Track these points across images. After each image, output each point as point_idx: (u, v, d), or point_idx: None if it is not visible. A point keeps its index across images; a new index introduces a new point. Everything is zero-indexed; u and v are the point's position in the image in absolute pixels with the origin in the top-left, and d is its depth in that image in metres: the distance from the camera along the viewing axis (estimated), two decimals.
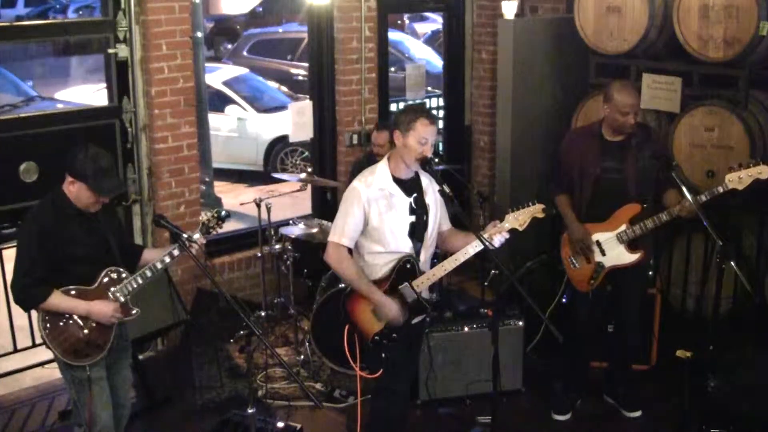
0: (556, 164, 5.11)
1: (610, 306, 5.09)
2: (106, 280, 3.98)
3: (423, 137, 3.94)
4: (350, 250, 4.11)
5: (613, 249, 4.87)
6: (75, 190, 3.87)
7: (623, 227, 4.83)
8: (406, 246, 4.06)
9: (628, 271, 4.92)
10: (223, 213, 4.12)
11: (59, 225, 3.86)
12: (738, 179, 4.46)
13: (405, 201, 4.04)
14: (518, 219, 4.05)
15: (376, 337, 4.06)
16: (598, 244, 4.89)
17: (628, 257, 4.87)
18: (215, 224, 4.10)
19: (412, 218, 4.06)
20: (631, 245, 4.86)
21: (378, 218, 3.99)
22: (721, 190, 4.51)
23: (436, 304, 4.41)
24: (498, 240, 4.02)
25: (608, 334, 5.27)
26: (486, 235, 4.00)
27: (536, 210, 4.07)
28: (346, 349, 4.09)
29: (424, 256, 4.14)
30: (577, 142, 5.00)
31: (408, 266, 4.05)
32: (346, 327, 4.10)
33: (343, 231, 4.01)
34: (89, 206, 3.92)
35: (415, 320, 4.19)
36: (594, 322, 5.10)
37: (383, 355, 4.07)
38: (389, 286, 4.05)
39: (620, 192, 4.83)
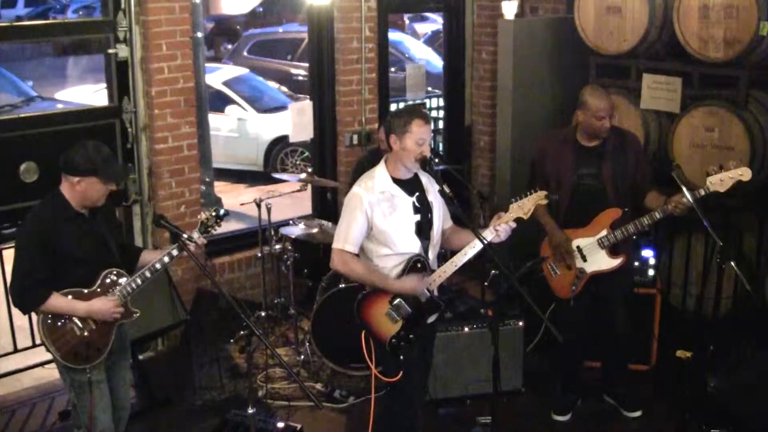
0: (531, 171, 5.09)
1: (598, 306, 5.07)
2: (105, 281, 3.97)
3: (420, 138, 3.94)
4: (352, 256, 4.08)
5: (594, 254, 4.85)
6: (82, 188, 3.85)
7: (604, 232, 4.81)
8: (414, 246, 4.05)
9: (612, 275, 4.90)
10: (222, 212, 4.12)
11: (58, 227, 3.85)
12: (719, 182, 4.44)
13: (408, 201, 4.04)
14: (522, 207, 4.04)
15: (393, 340, 4.04)
16: (579, 249, 4.87)
17: (610, 262, 4.85)
18: (214, 223, 4.09)
19: (417, 217, 4.05)
20: (613, 250, 4.85)
21: (383, 221, 3.98)
22: (702, 192, 4.48)
23: (447, 302, 4.40)
24: (505, 231, 4.01)
25: (600, 335, 5.24)
26: (492, 227, 4.00)
27: (539, 197, 4.06)
28: (366, 355, 4.08)
29: (432, 254, 4.13)
30: (551, 149, 4.96)
31: (419, 266, 4.04)
32: (363, 333, 4.09)
33: (346, 237, 4.00)
34: (98, 201, 3.91)
35: (430, 320, 4.19)
36: (578, 325, 5.06)
37: (400, 357, 4.06)
38: None
39: (598, 198, 4.81)
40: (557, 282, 4.99)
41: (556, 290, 5.02)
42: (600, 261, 4.85)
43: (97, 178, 3.84)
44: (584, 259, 4.87)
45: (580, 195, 4.84)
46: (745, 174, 4.42)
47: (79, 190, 3.86)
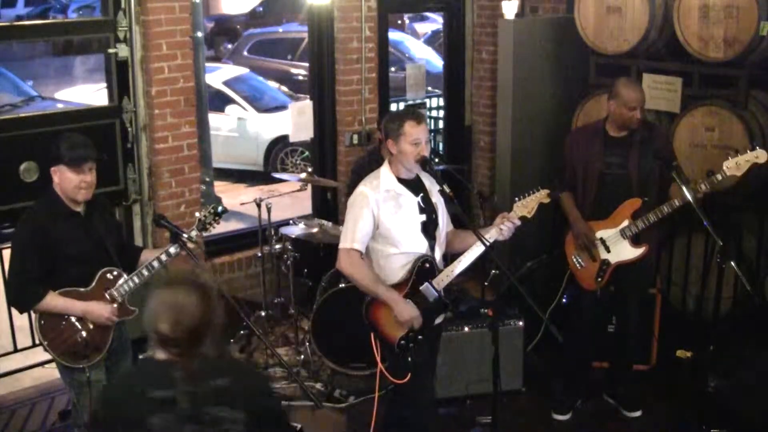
0: (563, 163, 5.12)
1: (611, 305, 5.10)
2: (103, 280, 3.97)
3: (415, 138, 3.94)
4: (361, 256, 4.06)
5: (617, 245, 4.87)
6: (58, 179, 3.85)
7: (626, 222, 4.83)
8: (420, 245, 4.05)
9: (631, 270, 4.92)
10: (220, 209, 4.10)
11: (54, 225, 3.85)
12: (736, 165, 4.46)
13: (413, 200, 4.04)
14: (526, 206, 4.07)
15: (402, 342, 4.03)
16: (603, 241, 4.89)
17: (633, 252, 4.87)
18: (212, 220, 4.09)
19: (423, 217, 4.05)
20: (635, 240, 4.86)
21: (389, 219, 3.98)
22: (720, 177, 4.50)
23: (454, 302, 4.40)
24: (509, 229, 4.02)
25: (609, 334, 5.27)
26: (497, 227, 4.01)
27: (542, 196, 4.08)
28: (375, 354, 4.07)
29: (438, 254, 4.13)
30: (580, 139, 5.02)
31: (427, 266, 4.04)
32: (372, 334, 4.08)
33: (354, 236, 3.98)
34: (76, 193, 3.86)
35: (438, 320, 4.19)
36: (598, 321, 5.10)
37: (409, 359, 4.04)
38: (410, 288, 4.03)
39: (625, 188, 4.84)
40: (582, 274, 5.00)
41: (582, 282, 5.03)
42: (623, 251, 4.87)
43: (65, 166, 3.83)
44: (608, 250, 4.89)
45: (606, 185, 4.88)
46: (761, 156, 4.43)
47: (57, 182, 3.87)
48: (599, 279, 4.93)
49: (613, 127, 4.88)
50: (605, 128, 4.91)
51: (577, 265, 5.01)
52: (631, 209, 4.83)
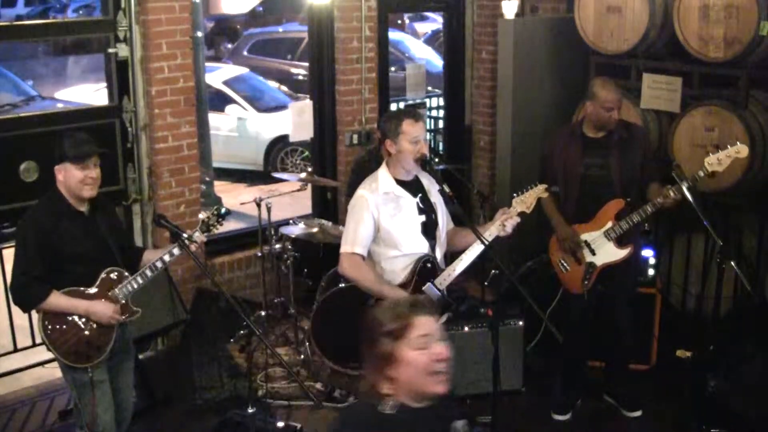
0: (542, 166, 5.12)
1: (602, 306, 5.08)
2: (106, 280, 3.97)
3: (413, 137, 3.95)
4: (363, 259, 4.06)
5: (602, 247, 4.87)
6: (63, 177, 3.85)
7: (609, 224, 4.83)
8: (422, 246, 4.05)
9: (618, 270, 4.92)
10: (223, 210, 4.12)
11: (57, 224, 3.85)
12: (717, 161, 4.46)
13: (412, 201, 4.05)
14: (525, 202, 4.08)
15: None
16: (587, 243, 4.89)
17: (618, 253, 4.87)
18: (215, 222, 4.09)
19: (422, 218, 4.06)
20: (620, 241, 4.86)
21: (389, 221, 3.98)
22: (701, 174, 4.50)
23: (457, 301, 4.41)
24: (510, 225, 4.02)
25: (604, 334, 5.25)
26: (497, 224, 4.01)
27: (540, 190, 4.10)
28: None
29: (439, 254, 4.14)
30: (559, 143, 5.01)
31: (428, 266, 4.04)
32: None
33: (354, 240, 3.99)
34: (81, 188, 3.86)
35: (442, 320, 4.19)
36: (586, 322, 5.09)
37: None
38: (413, 288, 4.03)
39: (606, 189, 4.83)
40: (568, 277, 5.00)
41: (568, 285, 5.02)
42: (608, 253, 4.86)
43: (69, 163, 3.83)
44: (593, 252, 4.88)
45: (588, 186, 4.87)
46: (742, 151, 4.43)
47: (62, 180, 3.87)
48: (586, 282, 4.92)
49: (590, 128, 4.87)
50: (582, 130, 4.91)
51: (563, 269, 5.01)
52: (614, 210, 4.82)
